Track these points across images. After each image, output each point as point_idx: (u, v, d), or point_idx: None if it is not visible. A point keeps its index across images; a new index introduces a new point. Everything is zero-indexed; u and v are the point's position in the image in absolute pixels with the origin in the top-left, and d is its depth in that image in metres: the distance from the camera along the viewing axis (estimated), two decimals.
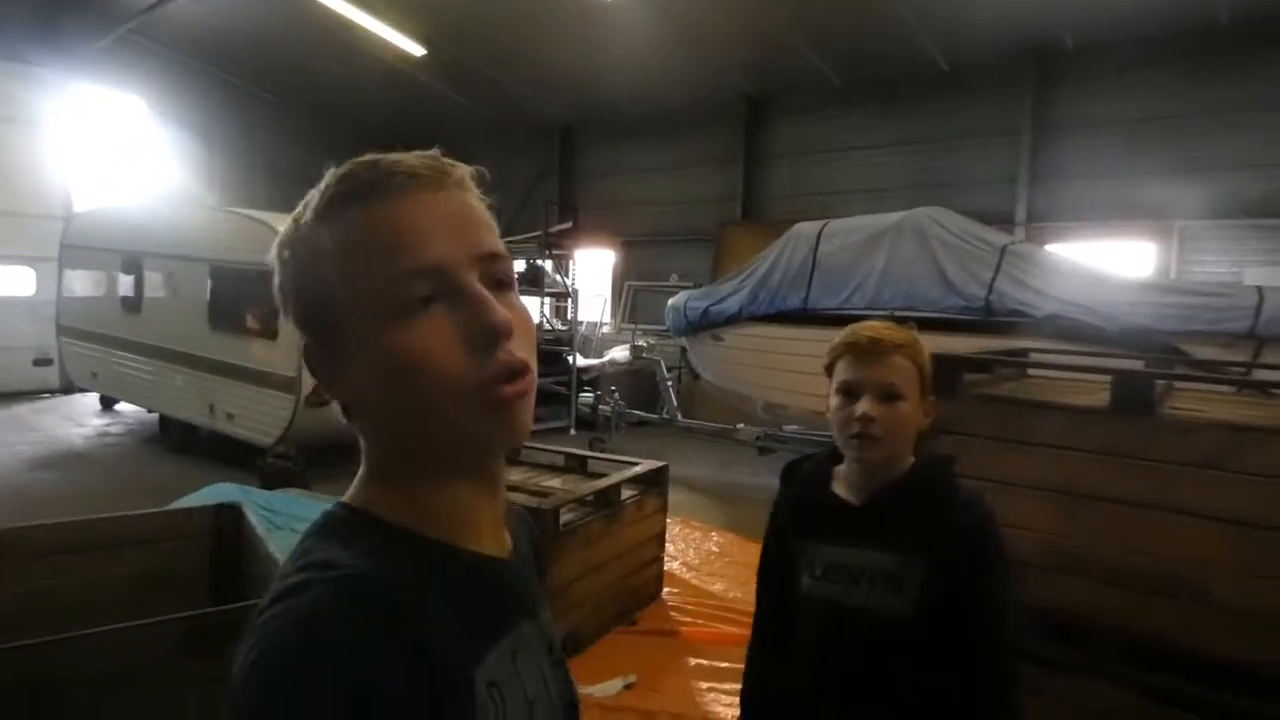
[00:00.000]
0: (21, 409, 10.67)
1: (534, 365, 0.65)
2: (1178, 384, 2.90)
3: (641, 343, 10.34)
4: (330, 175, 0.64)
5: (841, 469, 1.45)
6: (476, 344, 0.60)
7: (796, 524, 1.45)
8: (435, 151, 0.66)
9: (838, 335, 1.39)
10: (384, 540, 0.61)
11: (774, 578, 1.49)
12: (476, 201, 0.66)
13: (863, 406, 1.30)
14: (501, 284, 0.64)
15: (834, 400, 1.36)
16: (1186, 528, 1.95)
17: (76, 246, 9.59)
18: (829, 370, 1.39)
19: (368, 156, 0.64)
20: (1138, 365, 3.13)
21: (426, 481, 0.65)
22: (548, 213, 12.31)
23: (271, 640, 0.52)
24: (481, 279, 0.62)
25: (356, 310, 0.61)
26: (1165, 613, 1.98)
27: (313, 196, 0.65)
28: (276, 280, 0.67)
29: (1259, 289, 5.15)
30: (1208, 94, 9.87)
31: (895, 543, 1.32)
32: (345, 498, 0.67)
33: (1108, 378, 2.14)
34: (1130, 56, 10.31)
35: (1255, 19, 9.40)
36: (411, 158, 0.64)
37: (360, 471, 0.68)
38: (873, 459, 1.34)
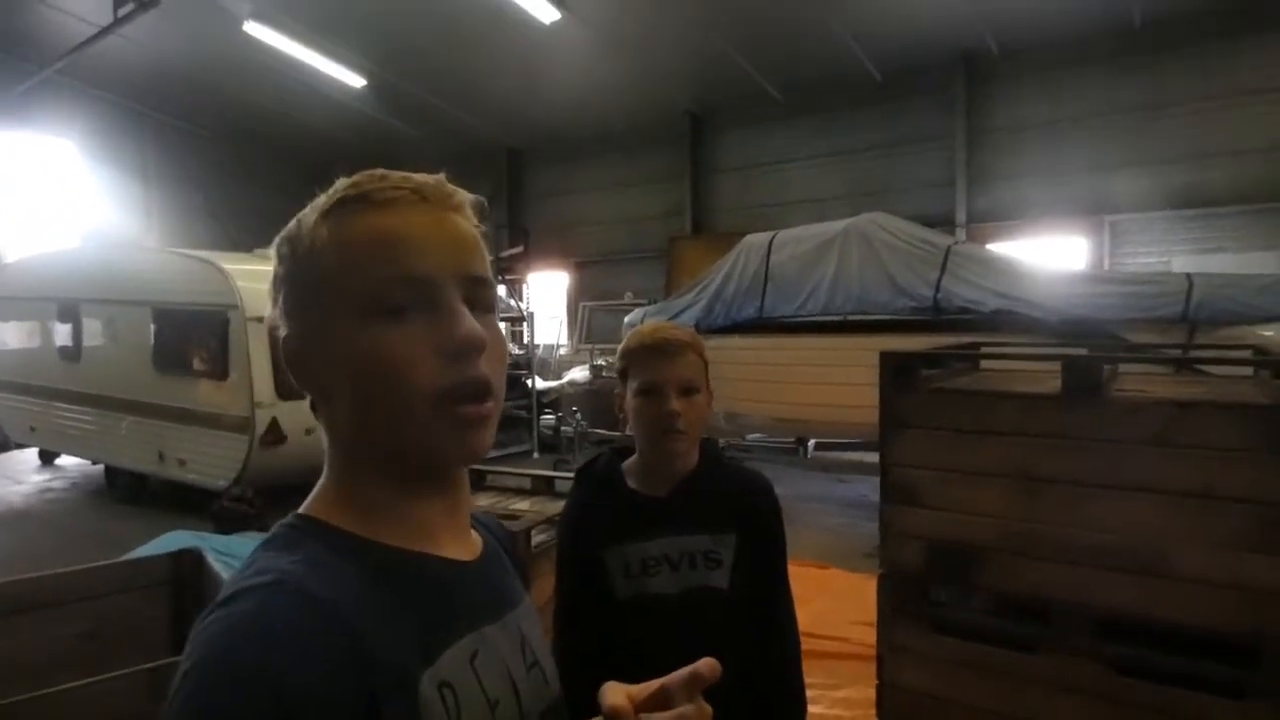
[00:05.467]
0: None
1: (501, 389, 0.68)
2: (1121, 369, 3.01)
3: (600, 362, 10.34)
4: (340, 182, 0.68)
5: (631, 466, 1.51)
6: (446, 354, 0.63)
7: (601, 529, 1.45)
8: (441, 176, 0.70)
9: (627, 340, 1.46)
10: (330, 546, 0.62)
11: (591, 585, 1.44)
12: (471, 227, 0.69)
13: (671, 404, 1.37)
14: (483, 307, 0.68)
15: (635, 402, 1.42)
16: (1141, 503, 2.00)
17: (6, 298, 9.25)
18: (623, 375, 1.46)
19: (377, 170, 0.68)
20: (1082, 352, 3.23)
21: (384, 485, 0.66)
22: (498, 237, 12.28)
23: (201, 651, 0.53)
24: (465, 299, 0.66)
25: (341, 304, 0.64)
26: (1128, 588, 2.01)
27: (320, 199, 0.68)
28: (273, 273, 0.69)
29: (1188, 276, 5.38)
30: (1126, 94, 10.38)
31: (707, 522, 1.43)
32: (301, 508, 0.68)
33: (1057, 365, 2.21)
34: (1053, 61, 10.79)
35: (1165, 21, 9.94)
36: (419, 177, 0.68)
37: (320, 479, 0.69)
38: (680, 450, 1.42)
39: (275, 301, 0.70)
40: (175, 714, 0.50)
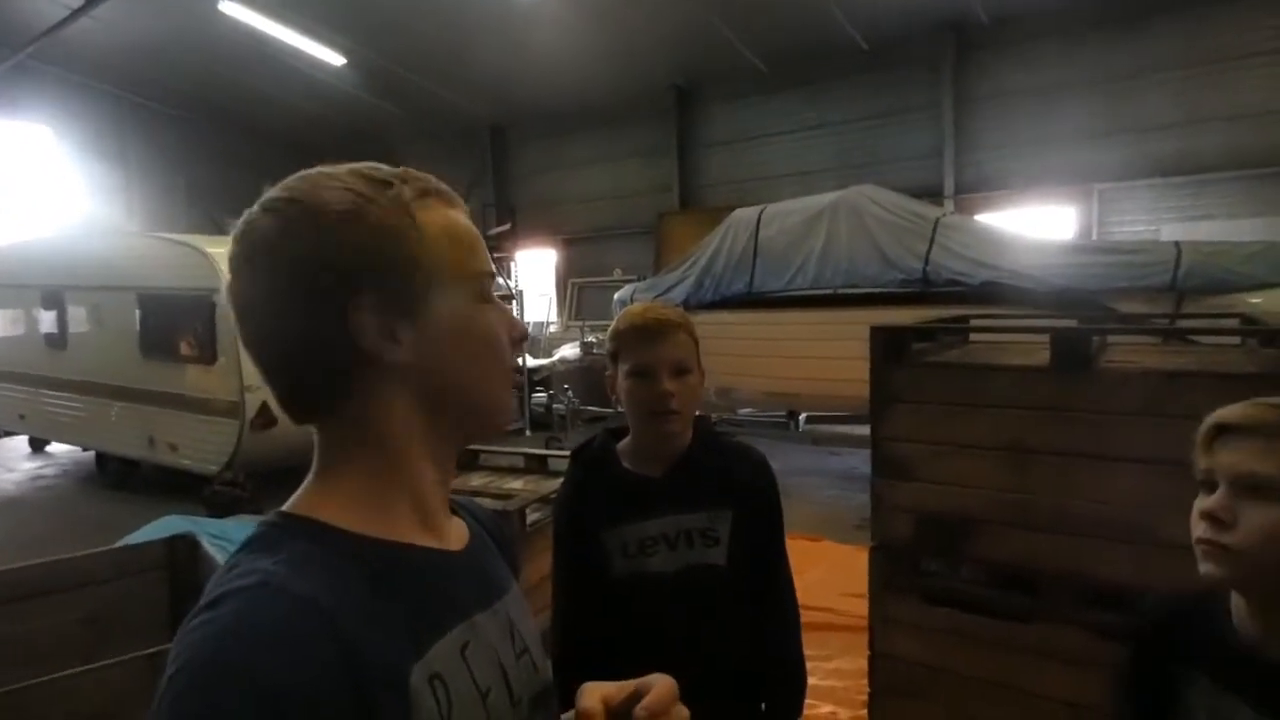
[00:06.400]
0: None
1: None
2: (1110, 339, 3.03)
3: (591, 339, 10.33)
4: (395, 170, 0.71)
5: (626, 447, 1.51)
6: (515, 339, 0.75)
7: (598, 510, 1.45)
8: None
9: (617, 322, 1.46)
10: (315, 544, 0.62)
11: (588, 566, 1.44)
12: None
13: (665, 385, 1.38)
14: None
15: (627, 383, 1.41)
16: (1130, 473, 2.02)
17: None
18: (614, 356, 1.45)
19: (407, 169, 0.72)
20: (1071, 324, 3.25)
21: (399, 467, 0.68)
22: (485, 215, 12.19)
23: (187, 653, 0.52)
24: None
25: (453, 286, 0.70)
26: (1118, 557, 2.04)
27: (402, 189, 0.68)
28: (336, 248, 0.65)
29: (1176, 244, 5.39)
30: (1114, 60, 10.32)
31: (703, 500, 1.44)
32: (285, 506, 0.67)
33: (1046, 337, 2.22)
34: (1041, 28, 10.71)
35: None
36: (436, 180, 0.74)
37: (308, 478, 0.68)
38: (674, 431, 1.43)
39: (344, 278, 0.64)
40: (164, 716, 0.50)
